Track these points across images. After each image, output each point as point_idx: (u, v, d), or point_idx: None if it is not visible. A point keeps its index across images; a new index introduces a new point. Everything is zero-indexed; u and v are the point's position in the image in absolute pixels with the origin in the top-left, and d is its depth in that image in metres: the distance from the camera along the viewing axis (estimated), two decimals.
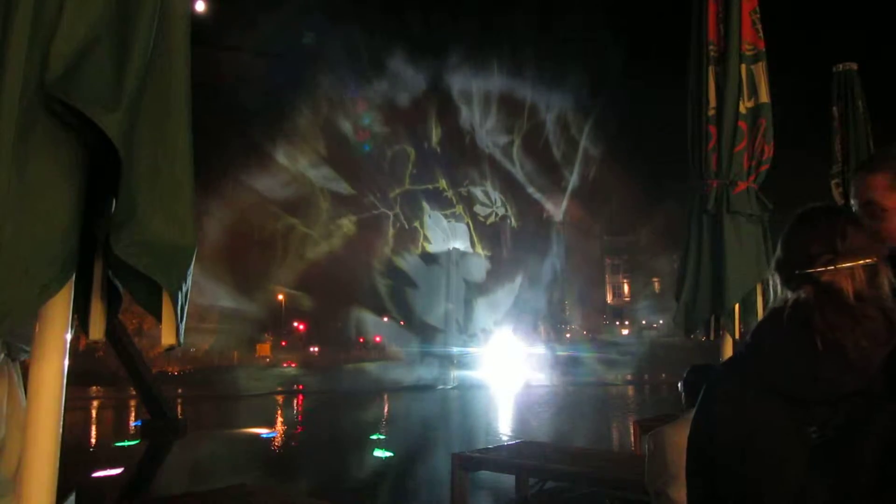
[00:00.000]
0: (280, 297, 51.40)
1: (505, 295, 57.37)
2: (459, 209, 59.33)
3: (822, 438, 1.05)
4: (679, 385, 3.44)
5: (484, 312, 57.67)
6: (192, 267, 1.52)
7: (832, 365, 1.05)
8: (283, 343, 52.79)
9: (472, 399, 32.77)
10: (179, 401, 27.57)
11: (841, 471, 1.03)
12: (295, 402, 32.61)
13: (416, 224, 58.24)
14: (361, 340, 54.71)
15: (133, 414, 24.41)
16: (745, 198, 3.55)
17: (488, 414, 27.05)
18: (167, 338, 1.46)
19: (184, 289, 1.47)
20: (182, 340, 1.49)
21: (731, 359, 1.34)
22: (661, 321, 54.45)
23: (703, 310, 3.58)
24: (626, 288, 59.05)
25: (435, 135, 57.50)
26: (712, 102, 3.58)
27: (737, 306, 3.55)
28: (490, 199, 59.31)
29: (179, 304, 1.45)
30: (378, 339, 54.97)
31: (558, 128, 56.68)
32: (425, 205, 57.92)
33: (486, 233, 59.48)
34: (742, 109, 3.56)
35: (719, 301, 3.50)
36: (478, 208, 59.41)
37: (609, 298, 59.18)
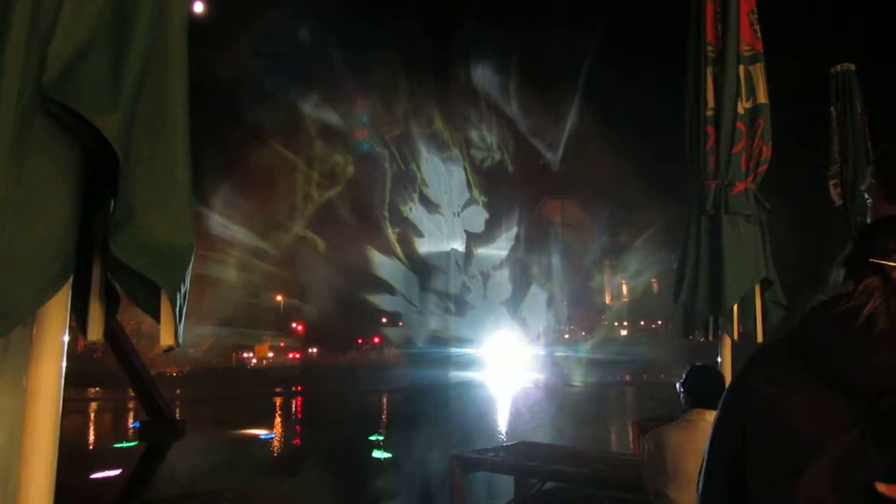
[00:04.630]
0: (279, 297, 51.51)
1: (504, 242, 57.97)
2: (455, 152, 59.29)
3: (872, 429, 1.04)
4: (677, 386, 3.45)
5: (484, 259, 58.25)
6: (190, 267, 1.52)
7: (890, 353, 1.04)
8: (282, 344, 53.04)
9: (471, 399, 32.79)
10: (178, 402, 27.52)
11: (889, 463, 1.01)
12: (294, 403, 32.66)
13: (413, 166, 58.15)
14: (360, 341, 54.90)
15: (131, 415, 24.38)
16: (744, 198, 3.56)
17: (487, 414, 27.06)
18: (166, 339, 1.46)
19: (182, 289, 1.47)
20: (181, 341, 1.49)
21: (769, 346, 1.31)
22: (659, 322, 54.61)
23: (701, 311, 3.58)
24: (624, 289, 59.16)
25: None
26: (710, 103, 3.59)
27: (735, 307, 3.56)
28: (486, 143, 59.56)
29: (178, 305, 1.45)
30: (377, 339, 55.19)
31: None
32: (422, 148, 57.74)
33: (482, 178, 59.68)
34: (740, 110, 3.57)
35: (718, 302, 3.51)
36: (474, 152, 59.67)
37: (608, 299, 59.57)
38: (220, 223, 45.23)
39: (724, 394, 1.26)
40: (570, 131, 55.25)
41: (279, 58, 49.63)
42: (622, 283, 58.49)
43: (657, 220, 49.16)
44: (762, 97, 3.63)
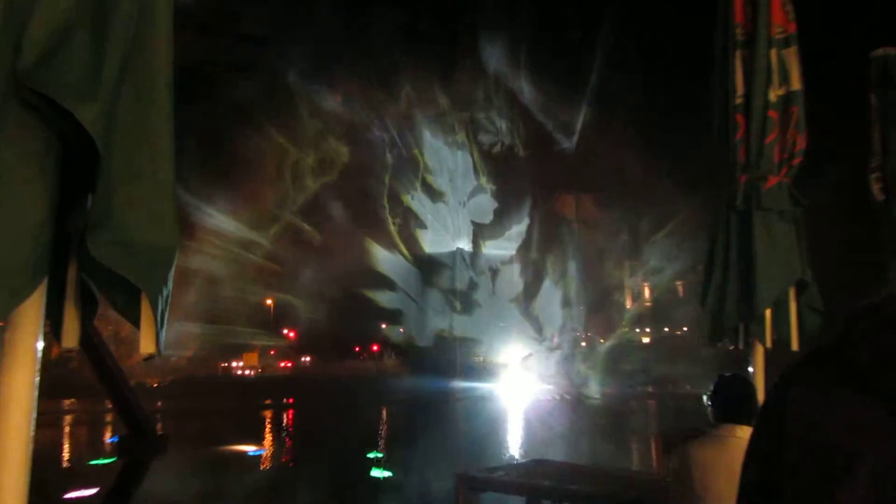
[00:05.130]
0: (269, 301, 51.35)
1: (513, 236, 57.92)
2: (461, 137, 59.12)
3: None
4: (705, 397, 3.44)
5: (492, 252, 58.43)
6: (173, 269, 1.53)
7: None
8: (273, 352, 53.10)
9: (480, 412, 32.85)
10: (159, 415, 27.98)
11: None
12: (285, 416, 33.01)
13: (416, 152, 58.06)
14: (357, 349, 54.89)
15: (109, 429, 24.43)
16: (777, 193, 3.54)
17: (497, 429, 27.06)
18: (146, 346, 1.46)
19: (164, 293, 1.48)
20: (162, 349, 1.49)
21: (810, 354, 1.31)
22: (685, 328, 54.17)
23: (730, 316, 3.57)
24: (646, 292, 58.84)
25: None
26: (740, 90, 3.58)
27: (768, 312, 3.54)
28: (495, 127, 59.34)
29: (160, 310, 1.46)
30: (376, 347, 55.15)
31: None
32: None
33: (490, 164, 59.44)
34: (772, 97, 3.55)
35: (748, 306, 3.49)
36: (482, 137, 59.35)
37: (628, 303, 59.30)
38: (205, 216, 44.96)
39: (762, 407, 1.26)
40: (586, 117, 54.73)
41: (268, 34, 49.47)
42: (644, 286, 58.17)
43: (683, 217, 48.64)
44: (796, 83, 3.61)
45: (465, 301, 58.72)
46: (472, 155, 59.70)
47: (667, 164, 47.18)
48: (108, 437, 22.80)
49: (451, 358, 51.87)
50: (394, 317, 56.10)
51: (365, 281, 53.64)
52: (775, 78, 3.58)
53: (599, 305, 58.30)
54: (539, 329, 57.89)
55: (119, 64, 1.41)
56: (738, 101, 3.56)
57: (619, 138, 49.50)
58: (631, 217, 55.77)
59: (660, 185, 48.30)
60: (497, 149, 59.98)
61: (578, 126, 55.36)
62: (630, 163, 49.12)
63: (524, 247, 59.49)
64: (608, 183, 54.96)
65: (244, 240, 48.42)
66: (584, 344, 57.08)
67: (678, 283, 54.90)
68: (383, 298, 55.06)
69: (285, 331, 53.58)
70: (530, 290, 59.24)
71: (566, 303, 57.83)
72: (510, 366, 54.02)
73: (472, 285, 59.72)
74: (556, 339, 56.93)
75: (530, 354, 55.81)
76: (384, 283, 55.17)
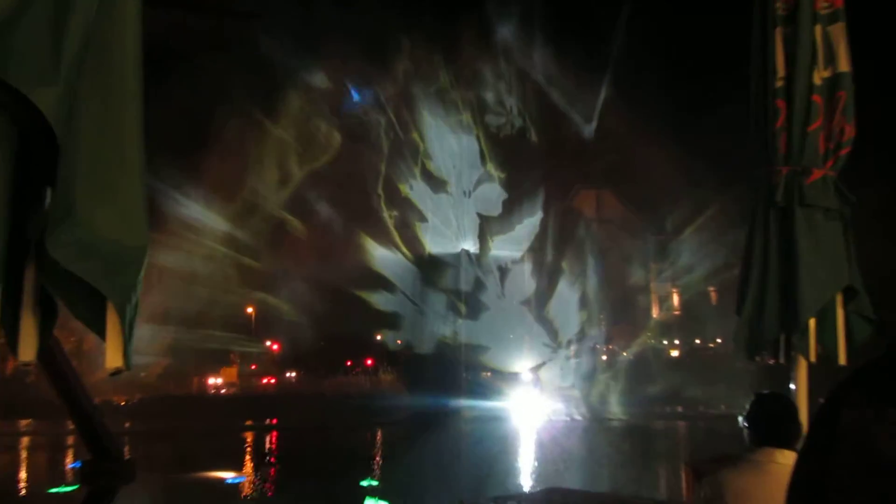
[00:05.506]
0: (250, 309, 51.20)
1: (525, 229, 57.75)
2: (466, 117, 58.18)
3: None
4: (740, 419, 3.42)
5: (501, 249, 58.27)
6: (142, 273, 1.52)
7: None
8: (254, 366, 52.97)
9: (486, 432, 32.72)
10: (127, 437, 27.61)
11: None
12: (268, 438, 32.74)
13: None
14: (349, 363, 54.76)
15: (70, 453, 24.31)
16: (822, 188, 3.52)
17: (505, 452, 26.95)
18: (112, 360, 1.46)
19: (133, 299, 1.47)
20: (131, 363, 1.49)
21: (862, 369, 1.31)
22: (718, 340, 53.67)
23: (769, 327, 3.56)
24: (675, 299, 58.57)
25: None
26: (780, 72, 3.55)
27: (812, 322, 3.52)
28: (504, 107, 58.50)
29: (127, 319, 1.45)
30: (370, 361, 55.05)
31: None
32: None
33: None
34: (816, 80, 3.53)
35: (790, 316, 3.48)
36: (489, 118, 58.19)
37: (654, 311, 59.00)
38: (176, 207, 44.78)
39: (808, 430, 1.26)
40: (608, 97, 54.22)
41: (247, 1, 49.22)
42: (672, 291, 57.93)
43: (716, 215, 48.55)
44: (844, 65, 3.58)
45: (470, 303, 58.41)
46: (478, 139, 59.16)
47: (700, 154, 46.68)
48: (69, 462, 22.64)
49: (454, 371, 51.88)
50: (390, 322, 55.76)
51: (357, 281, 53.20)
52: (820, 58, 3.56)
53: (622, 311, 57.96)
54: (553, 335, 57.56)
55: (81, 42, 1.40)
56: (779, 84, 3.53)
57: (646, 124, 49.04)
58: (658, 214, 55.56)
59: (691, 178, 47.91)
60: (507, 132, 59.50)
61: (598, 108, 54.97)
62: (658, 152, 48.55)
63: (537, 243, 59.04)
64: (632, 175, 54.54)
65: (221, 235, 48.20)
66: (604, 357, 56.95)
67: (711, 288, 54.60)
68: (378, 301, 54.72)
69: (268, 342, 53.56)
70: (544, 292, 58.83)
71: (584, 306, 57.54)
72: (521, 377, 53.90)
73: (479, 286, 59.40)
74: (572, 347, 56.70)
75: (543, 363, 55.61)
76: (379, 283, 54.62)
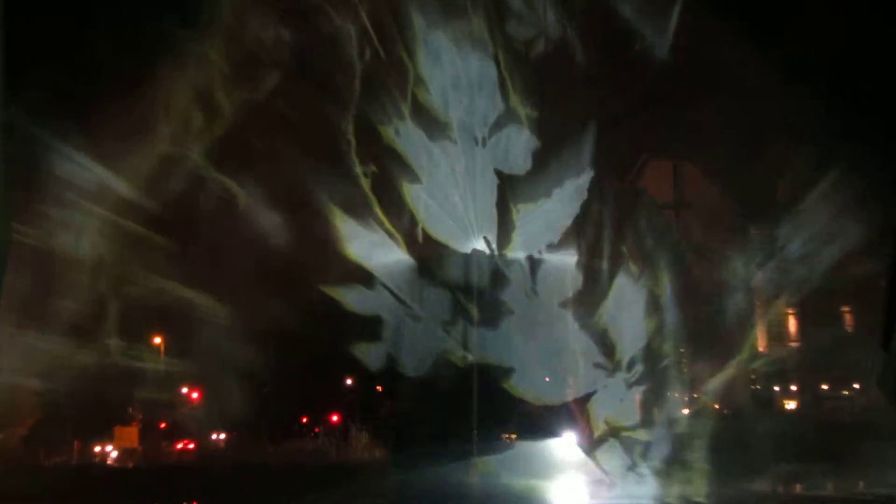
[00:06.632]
0: (157, 339, 40.19)
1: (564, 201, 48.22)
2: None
3: None
4: None
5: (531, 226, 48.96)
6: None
7: None
8: (163, 424, 42.55)
9: None
10: None
11: None
12: None
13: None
14: (305, 421, 43.86)
15: None
16: None
17: None
18: None
19: None
20: None
21: None
22: (856, 385, 43.26)
23: None
24: (791, 324, 47.25)
25: None
26: None
27: None
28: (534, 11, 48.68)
29: None
30: (336, 416, 44.09)
31: None
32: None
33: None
34: None
35: None
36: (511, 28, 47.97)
37: (761, 343, 47.52)
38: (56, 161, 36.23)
39: None
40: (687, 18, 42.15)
41: None
42: (788, 315, 46.45)
43: (854, 201, 34.06)
44: None
45: (485, 305, 47.86)
46: (496, 60, 47.76)
47: (832, 112, 34.36)
48: None
49: (464, 419, 41.34)
50: (369, 331, 44.71)
51: (320, 274, 42.43)
52: None
53: (712, 345, 47.00)
54: (608, 351, 49.05)
55: None
56: None
57: (748, 54, 37.08)
58: (769, 201, 42.62)
59: (831, 150, 34.91)
60: (539, 50, 48.21)
61: (675, 16, 43.28)
62: (768, 101, 35.68)
63: (583, 220, 48.86)
64: (730, 143, 42.02)
65: (118, 202, 38.26)
66: (686, 412, 45.76)
67: (845, 308, 42.99)
68: (352, 299, 43.61)
69: (185, 390, 42.46)
70: (593, 291, 48.95)
71: (654, 312, 47.94)
72: (562, 418, 41.36)
73: (498, 279, 48.51)
74: (636, 369, 47.56)
75: (594, 392, 42.67)
76: (353, 275, 43.40)
